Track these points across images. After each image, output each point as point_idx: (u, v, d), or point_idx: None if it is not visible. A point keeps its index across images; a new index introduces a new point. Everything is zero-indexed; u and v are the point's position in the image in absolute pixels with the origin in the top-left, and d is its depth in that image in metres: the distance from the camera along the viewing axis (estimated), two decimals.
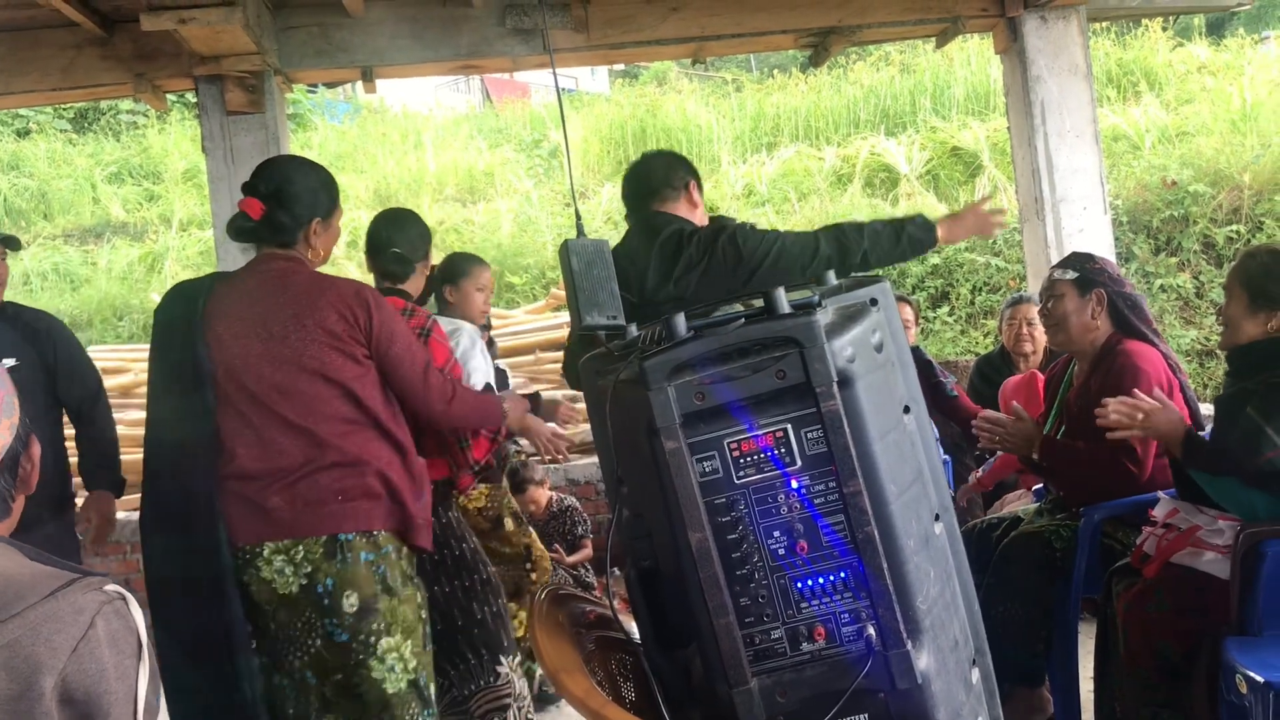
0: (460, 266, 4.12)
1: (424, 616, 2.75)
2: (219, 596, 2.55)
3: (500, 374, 4.55)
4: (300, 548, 2.57)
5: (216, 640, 2.55)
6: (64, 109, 15.35)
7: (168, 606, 2.60)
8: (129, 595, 1.17)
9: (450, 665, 3.28)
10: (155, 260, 11.79)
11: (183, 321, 2.70)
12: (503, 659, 3.33)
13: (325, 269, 3.01)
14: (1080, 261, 3.60)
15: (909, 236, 3.21)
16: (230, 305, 2.69)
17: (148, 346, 2.93)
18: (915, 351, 4.67)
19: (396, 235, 3.43)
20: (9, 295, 3.83)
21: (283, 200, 2.73)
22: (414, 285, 3.46)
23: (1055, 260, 5.23)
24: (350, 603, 2.58)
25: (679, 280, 3.09)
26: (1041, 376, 4.64)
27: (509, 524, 4.18)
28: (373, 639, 2.60)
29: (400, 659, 2.64)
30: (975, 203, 3.55)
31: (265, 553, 2.58)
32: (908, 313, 5.06)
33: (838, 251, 3.11)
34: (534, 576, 4.23)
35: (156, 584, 2.64)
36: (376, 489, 2.63)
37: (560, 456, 3.47)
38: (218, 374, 2.63)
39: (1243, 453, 2.81)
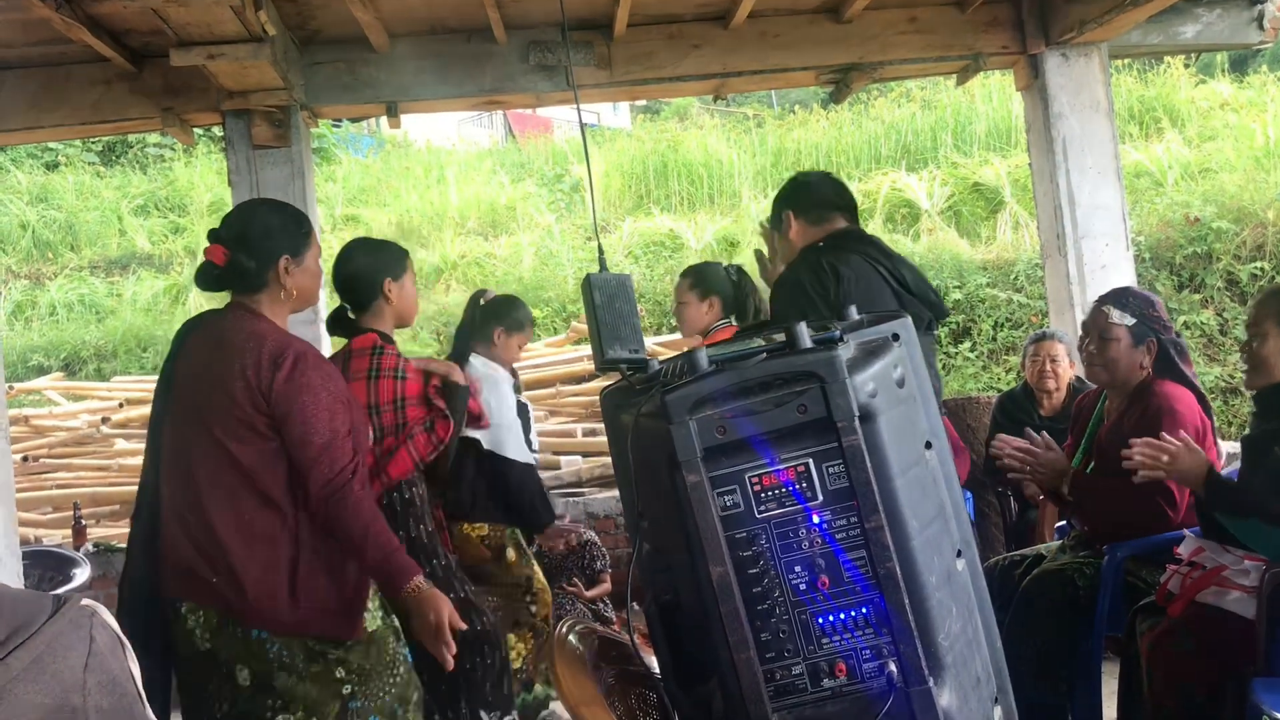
0: (518, 318, 4.33)
1: (347, 691, 2.51)
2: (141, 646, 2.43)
3: (522, 407, 4.58)
4: (201, 613, 2.47)
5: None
6: (92, 142, 15.59)
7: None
8: (98, 605, 1.20)
9: (440, 714, 3.26)
10: (180, 292, 11.92)
11: (168, 357, 2.67)
12: (484, 714, 3.28)
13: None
14: (1140, 307, 3.46)
15: None
16: (189, 353, 2.62)
17: None
18: None
19: (340, 263, 3.33)
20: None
21: (246, 242, 2.59)
22: (380, 317, 3.30)
23: (1078, 297, 5.24)
24: (243, 676, 2.45)
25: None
26: None
27: (510, 554, 4.19)
28: (269, 715, 2.45)
29: None
30: None
31: (184, 610, 2.49)
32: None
33: None
34: (534, 609, 4.22)
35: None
36: (246, 576, 2.43)
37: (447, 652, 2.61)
38: (165, 421, 2.58)
39: (1269, 493, 2.79)
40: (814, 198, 3.17)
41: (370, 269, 3.27)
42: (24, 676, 1.05)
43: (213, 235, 2.65)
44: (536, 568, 4.29)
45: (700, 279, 4.30)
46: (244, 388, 2.46)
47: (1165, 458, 2.93)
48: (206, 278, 2.64)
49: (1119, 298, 3.54)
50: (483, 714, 3.29)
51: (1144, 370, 3.44)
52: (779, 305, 3.05)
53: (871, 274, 2.95)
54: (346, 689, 2.51)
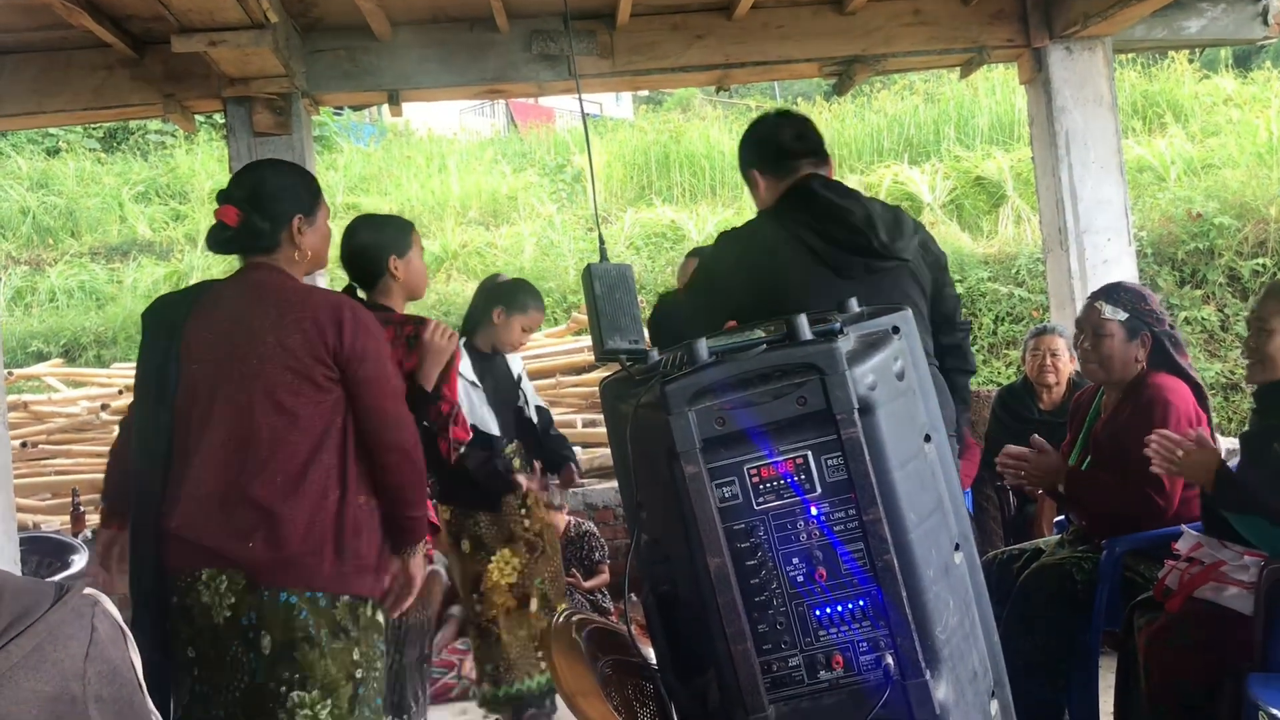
0: (521, 300, 4.22)
1: (358, 676, 2.49)
2: (142, 622, 2.40)
3: (543, 412, 4.52)
4: (224, 577, 2.41)
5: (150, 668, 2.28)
6: (93, 128, 15.58)
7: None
8: (101, 594, 1.20)
9: None
10: (180, 279, 11.90)
11: (162, 330, 2.57)
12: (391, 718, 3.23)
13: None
14: (1131, 301, 3.48)
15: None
16: (205, 318, 2.54)
17: None
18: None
19: (345, 242, 3.31)
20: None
21: (259, 202, 2.55)
22: (388, 293, 3.29)
23: (1079, 292, 5.23)
24: (265, 643, 2.39)
25: (911, 237, 2.87)
26: None
27: (465, 546, 4.15)
28: (283, 689, 2.38)
29: (312, 718, 2.41)
30: None
31: (204, 577, 2.42)
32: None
33: (964, 342, 3.05)
34: (479, 609, 4.16)
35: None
36: (294, 531, 2.42)
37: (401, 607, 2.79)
38: (180, 390, 2.49)
39: (1269, 490, 2.78)
40: (776, 149, 3.02)
41: (374, 247, 3.25)
42: (24, 664, 1.05)
43: (223, 196, 2.60)
44: (494, 567, 4.18)
45: None
46: (302, 340, 2.44)
47: (1180, 453, 2.92)
48: (218, 239, 2.59)
49: (1111, 293, 3.55)
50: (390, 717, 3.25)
51: (1139, 364, 3.44)
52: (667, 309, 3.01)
53: (782, 248, 2.81)
54: (359, 673, 2.50)
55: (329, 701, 2.42)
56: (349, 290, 3.33)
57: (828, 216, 2.82)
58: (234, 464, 2.43)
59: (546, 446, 4.45)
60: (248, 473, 2.42)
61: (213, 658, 2.44)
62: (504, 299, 4.24)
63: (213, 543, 2.41)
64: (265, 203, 2.56)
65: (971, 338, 3.03)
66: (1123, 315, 3.43)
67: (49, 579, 1.32)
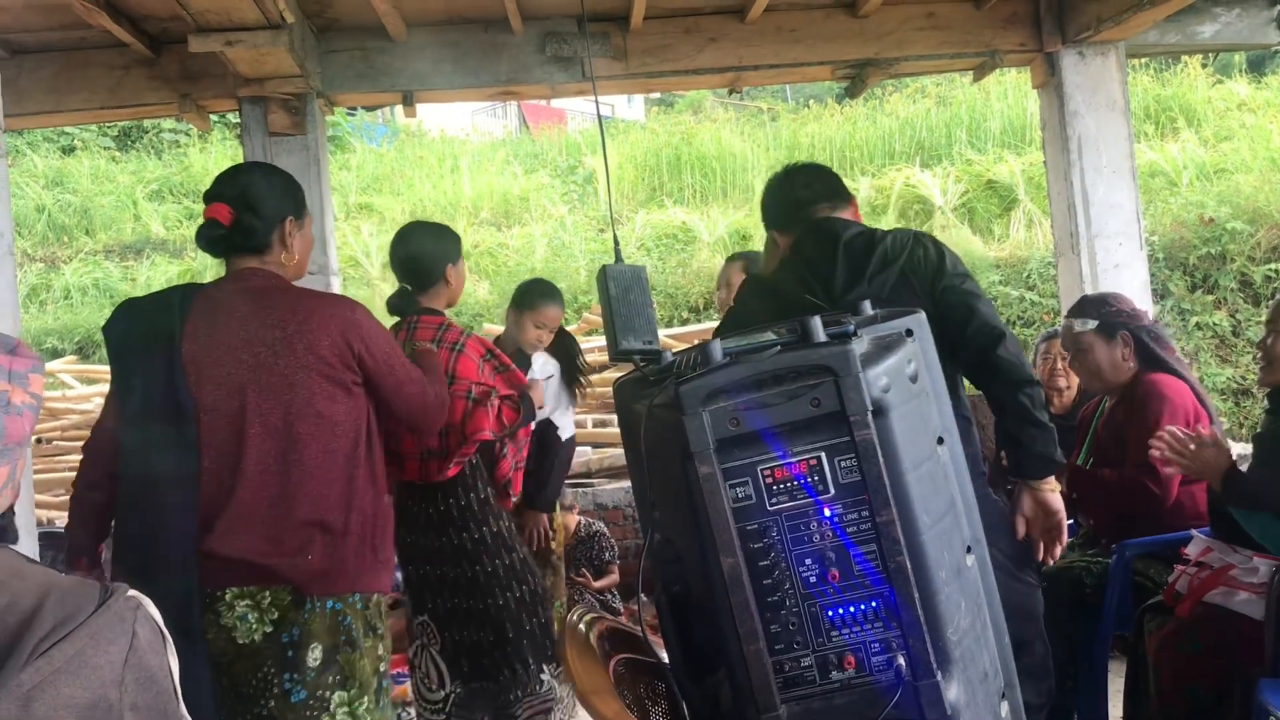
0: (530, 298, 4.18)
1: (382, 670, 2.54)
2: (189, 652, 2.26)
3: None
4: (267, 594, 2.36)
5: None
6: (107, 127, 15.64)
7: None
8: (144, 597, 1.21)
9: (499, 673, 3.33)
10: (194, 278, 11.94)
11: (156, 342, 2.46)
12: (546, 668, 3.38)
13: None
14: (1096, 307, 3.58)
15: (1043, 436, 2.64)
16: (209, 326, 2.45)
17: None
18: None
19: (400, 245, 3.47)
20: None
21: (251, 202, 2.51)
22: (437, 298, 3.43)
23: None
24: (314, 655, 2.38)
25: (874, 278, 2.72)
26: None
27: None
28: (328, 693, 2.40)
29: (351, 715, 2.43)
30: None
31: (228, 598, 2.36)
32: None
33: (1013, 352, 2.64)
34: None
35: None
36: (346, 536, 2.43)
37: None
38: (196, 404, 2.40)
39: (1278, 490, 2.78)
40: (785, 203, 3.00)
41: (433, 253, 3.38)
42: (65, 669, 1.07)
43: (212, 195, 2.55)
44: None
45: (755, 262, 4.28)
46: (330, 345, 2.44)
47: (1193, 446, 2.93)
48: (209, 238, 2.54)
49: (1077, 309, 3.66)
50: (545, 667, 3.40)
51: (1129, 363, 3.49)
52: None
53: (759, 301, 2.86)
54: (383, 666, 2.54)
55: (364, 698, 2.45)
56: (403, 293, 3.43)
57: (800, 281, 2.80)
58: (277, 476, 2.38)
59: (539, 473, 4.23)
60: (293, 484, 2.38)
61: (227, 685, 2.39)
62: (515, 299, 4.25)
63: (261, 559, 2.36)
64: (257, 202, 2.53)
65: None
66: (1092, 324, 3.53)
67: (65, 573, 1.31)
